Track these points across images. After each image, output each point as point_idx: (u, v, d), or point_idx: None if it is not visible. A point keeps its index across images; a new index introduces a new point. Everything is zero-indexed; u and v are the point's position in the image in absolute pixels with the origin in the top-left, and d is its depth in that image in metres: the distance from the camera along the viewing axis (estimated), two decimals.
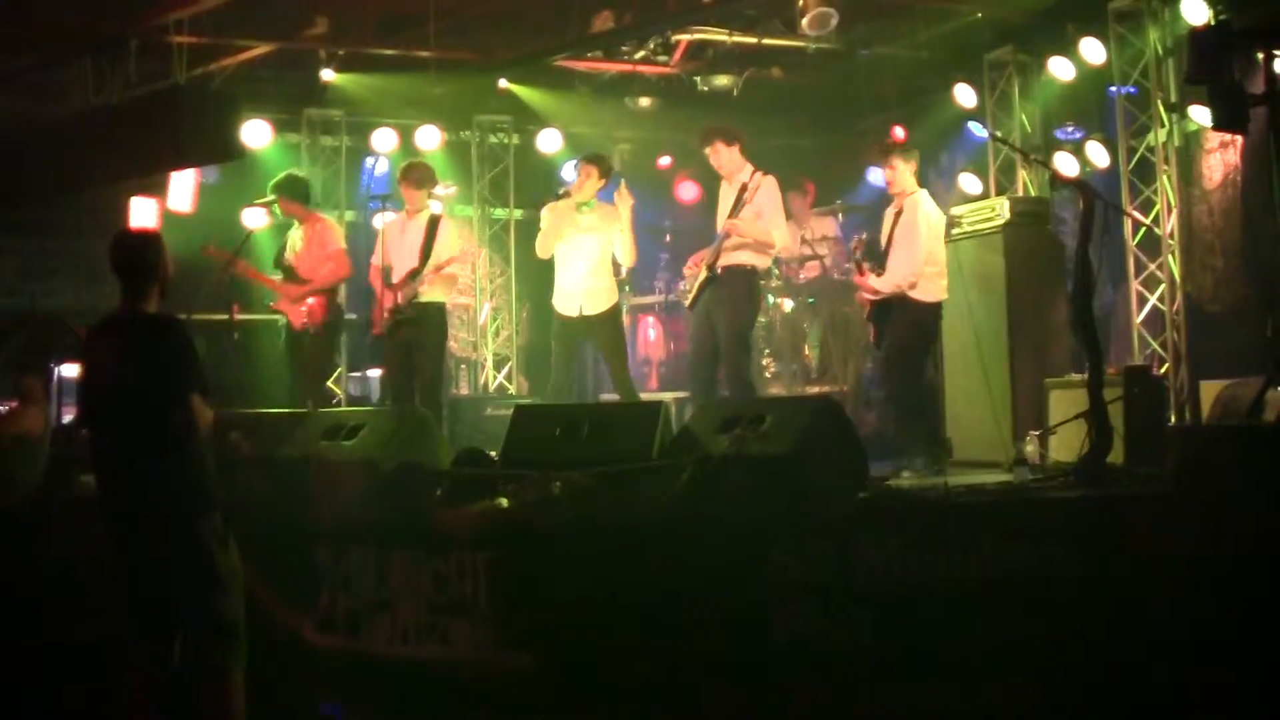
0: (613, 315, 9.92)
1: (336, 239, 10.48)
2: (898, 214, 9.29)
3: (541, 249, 9.92)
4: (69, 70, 11.26)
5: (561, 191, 10.00)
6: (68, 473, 8.34)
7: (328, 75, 12.60)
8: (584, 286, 9.76)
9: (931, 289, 9.16)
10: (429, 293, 9.94)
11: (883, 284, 9.21)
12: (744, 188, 9.33)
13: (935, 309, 9.29)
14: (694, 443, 7.06)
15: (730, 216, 9.31)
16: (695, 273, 9.57)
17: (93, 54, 11.02)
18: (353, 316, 11.24)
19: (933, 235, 9.21)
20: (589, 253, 9.79)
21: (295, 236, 10.52)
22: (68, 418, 10.19)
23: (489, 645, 6.37)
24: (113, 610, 5.91)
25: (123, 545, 5.77)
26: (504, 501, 6.72)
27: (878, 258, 9.51)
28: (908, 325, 9.17)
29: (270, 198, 10.73)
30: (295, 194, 10.57)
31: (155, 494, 5.66)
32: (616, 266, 10.10)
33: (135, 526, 5.71)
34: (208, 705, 5.70)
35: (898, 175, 9.31)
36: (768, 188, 9.35)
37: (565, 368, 9.85)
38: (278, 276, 10.38)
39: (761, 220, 9.28)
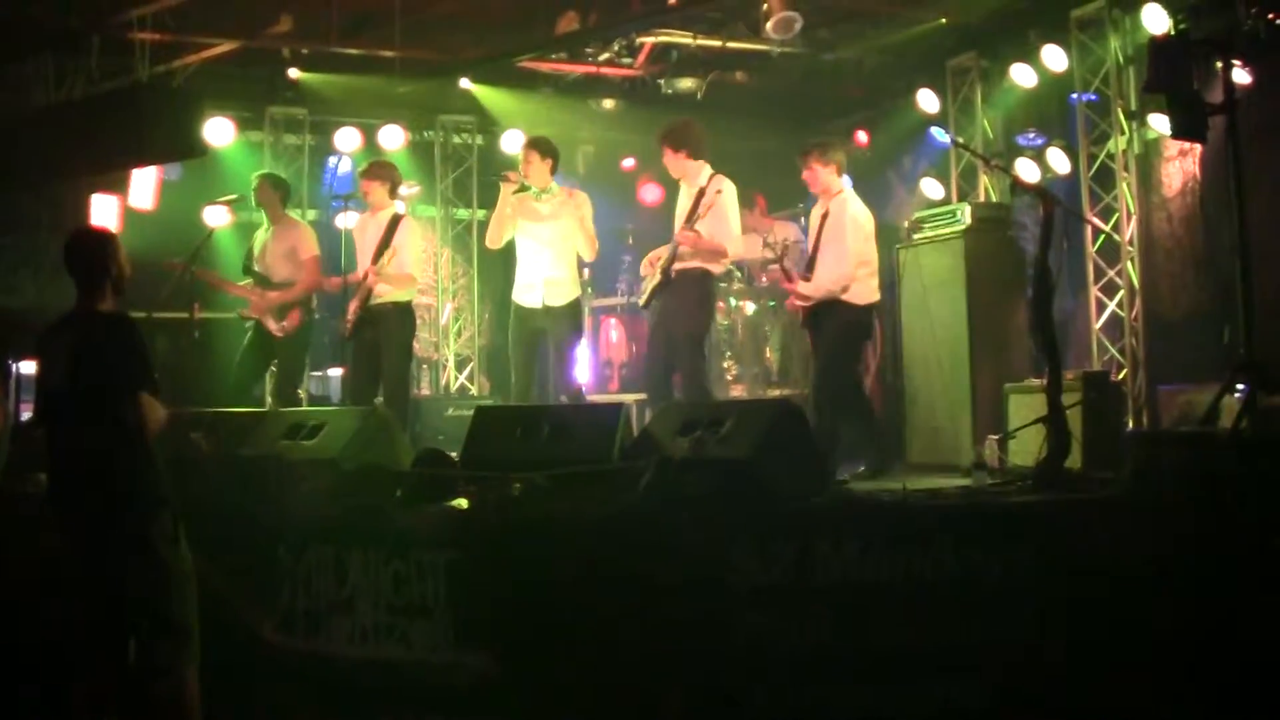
0: (574, 309, 9.79)
1: (309, 245, 10.35)
2: (824, 216, 9.15)
3: (491, 238, 9.75)
4: (30, 65, 11.20)
5: (504, 176, 9.74)
6: (26, 470, 8.28)
7: (292, 74, 12.55)
8: (546, 276, 9.59)
9: (864, 290, 9.06)
10: (391, 293, 9.86)
11: (813, 289, 9.10)
12: (701, 193, 9.23)
13: (869, 311, 9.22)
14: (654, 445, 7.07)
15: (686, 224, 9.26)
16: (651, 272, 9.51)
17: (55, 49, 10.97)
18: (316, 316, 11.19)
19: (861, 235, 9.07)
20: (551, 241, 9.62)
21: (262, 238, 10.44)
22: (27, 415, 10.12)
23: (449, 646, 6.36)
24: (66, 610, 5.88)
25: (74, 545, 5.75)
26: (464, 503, 6.73)
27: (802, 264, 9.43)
28: (844, 328, 9.06)
29: (233, 197, 10.70)
30: (278, 186, 10.52)
31: (105, 493, 5.64)
32: (581, 260, 10.01)
33: (84, 524, 5.70)
34: (161, 706, 5.68)
35: (817, 177, 9.16)
36: (725, 196, 9.20)
37: (526, 370, 9.73)
38: (247, 282, 10.30)
39: (717, 231, 9.18)
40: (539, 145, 9.78)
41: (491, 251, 10.20)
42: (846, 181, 9.52)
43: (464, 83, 13.05)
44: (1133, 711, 5.84)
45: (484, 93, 13.37)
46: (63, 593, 5.98)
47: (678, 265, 9.23)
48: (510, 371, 9.97)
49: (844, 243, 8.96)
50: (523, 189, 9.63)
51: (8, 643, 7.03)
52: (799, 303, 9.33)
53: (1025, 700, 5.87)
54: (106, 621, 5.73)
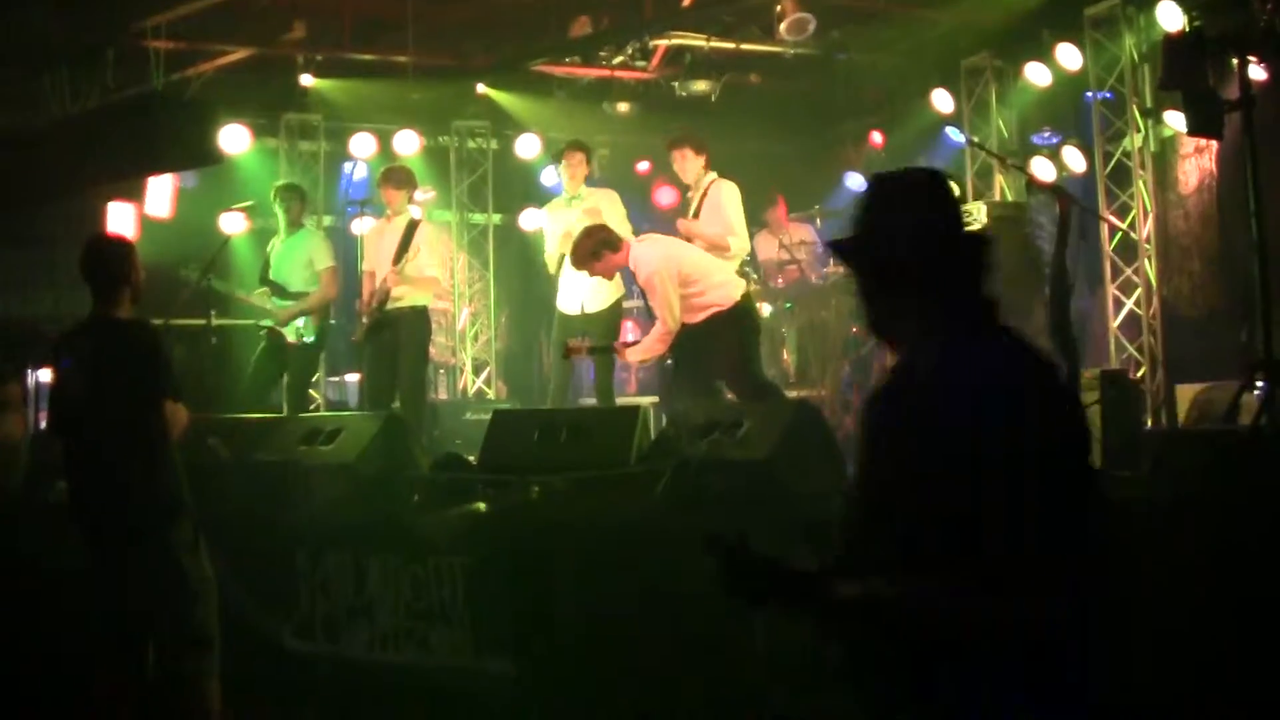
0: (613, 313, 9.86)
1: (326, 255, 10.35)
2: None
3: (553, 263, 9.82)
4: (46, 76, 11.23)
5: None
6: (46, 479, 8.31)
7: (306, 80, 12.57)
8: (588, 281, 9.60)
9: (718, 295, 8.60)
10: (409, 296, 9.88)
11: (642, 352, 8.81)
12: (704, 195, 9.34)
13: (741, 306, 8.70)
14: (672, 447, 7.06)
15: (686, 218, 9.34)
16: None
17: (70, 60, 11.00)
18: (332, 322, 11.19)
19: (670, 275, 8.54)
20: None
21: (279, 248, 10.44)
22: (45, 424, 10.16)
23: (468, 651, 6.36)
24: (87, 618, 5.89)
25: (94, 552, 5.76)
26: (482, 507, 6.72)
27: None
28: (731, 334, 8.58)
29: (249, 203, 10.72)
30: (295, 196, 10.53)
31: (124, 501, 5.64)
32: None
33: (105, 533, 5.70)
34: (182, 714, 5.69)
35: (611, 264, 8.91)
36: (728, 191, 9.31)
37: (563, 373, 9.83)
38: (262, 291, 10.29)
39: (717, 223, 9.23)
40: (585, 149, 9.87)
41: (507, 256, 10.24)
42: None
43: (481, 87, 13.09)
44: (1148, 711, 5.82)
45: (498, 98, 13.40)
46: (82, 601, 5.99)
47: None
48: (527, 376, 10.01)
49: (654, 295, 8.61)
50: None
51: (29, 650, 7.05)
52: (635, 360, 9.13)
53: None
54: (126, 630, 5.73)
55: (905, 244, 2.96)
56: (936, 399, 2.79)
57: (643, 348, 8.76)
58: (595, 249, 8.72)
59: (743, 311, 8.73)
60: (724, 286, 8.69)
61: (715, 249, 9.24)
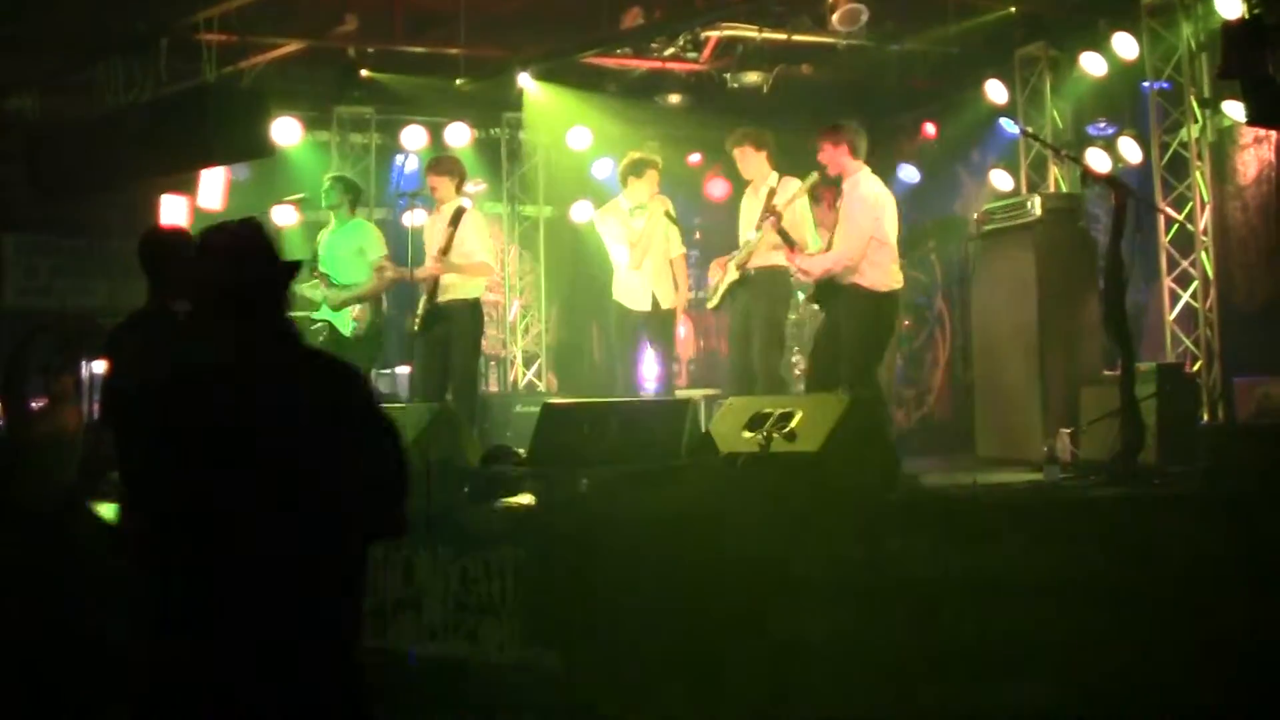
0: (675, 309, 10.05)
1: (378, 245, 10.33)
2: (841, 196, 8.86)
3: (635, 261, 9.85)
4: (99, 69, 11.31)
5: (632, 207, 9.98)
6: (100, 470, 8.36)
7: (366, 73, 12.62)
8: (657, 280, 9.85)
9: (878, 275, 8.54)
10: (461, 287, 9.88)
11: (810, 264, 8.77)
12: (772, 193, 9.31)
13: (888, 299, 8.68)
14: (722, 440, 7.04)
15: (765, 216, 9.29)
16: (721, 275, 9.57)
17: (123, 52, 11.06)
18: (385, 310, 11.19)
19: (870, 215, 8.54)
20: (657, 245, 9.87)
21: (329, 239, 10.45)
22: (98, 414, 10.22)
23: (517, 644, 6.36)
24: (139, 610, 5.91)
25: (145, 544, 5.77)
26: (530, 499, 6.72)
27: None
28: (858, 318, 8.54)
29: (300, 196, 10.76)
30: (348, 189, 10.54)
31: None
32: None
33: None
34: None
35: (831, 159, 8.77)
36: (800, 200, 9.30)
37: (633, 363, 9.98)
38: (312, 282, 10.31)
39: (800, 226, 9.26)
40: (658, 165, 9.95)
41: (558, 248, 10.26)
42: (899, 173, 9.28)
43: (521, 81, 12.93)
44: (1204, 710, 5.75)
45: (548, 90, 13.31)
46: (134, 593, 6.01)
47: (758, 262, 9.27)
48: (578, 368, 10.03)
49: (851, 222, 8.56)
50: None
51: (83, 644, 7.10)
52: (800, 276, 9.28)
53: (1096, 699, 5.80)
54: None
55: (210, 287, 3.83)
56: None
57: (816, 260, 8.76)
58: (839, 137, 8.71)
59: (886, 303, 8.72)
60: (885, 270, 8.63)
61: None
